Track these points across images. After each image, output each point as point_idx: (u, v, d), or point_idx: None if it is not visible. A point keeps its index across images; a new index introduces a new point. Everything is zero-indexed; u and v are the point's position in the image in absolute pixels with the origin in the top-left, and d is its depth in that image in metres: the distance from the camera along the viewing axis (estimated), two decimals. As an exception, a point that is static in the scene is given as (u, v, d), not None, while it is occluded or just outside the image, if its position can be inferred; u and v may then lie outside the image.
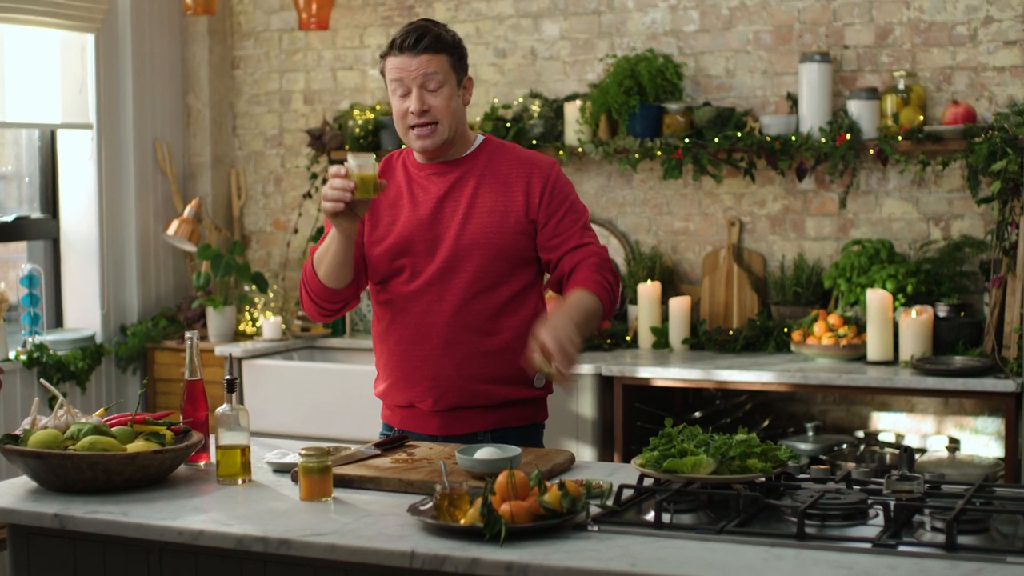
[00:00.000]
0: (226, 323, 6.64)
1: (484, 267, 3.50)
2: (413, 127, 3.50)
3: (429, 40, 3.46)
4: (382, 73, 3.56)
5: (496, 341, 3.53)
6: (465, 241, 3.49)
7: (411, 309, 3.54)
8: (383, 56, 3.54)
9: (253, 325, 6.80)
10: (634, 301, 6.08)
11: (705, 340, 5.85)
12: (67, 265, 6.71)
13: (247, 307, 6.82)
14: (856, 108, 5.68)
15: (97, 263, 6.62)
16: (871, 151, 5.68)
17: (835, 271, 5.73)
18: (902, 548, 2.56)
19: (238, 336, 6.77)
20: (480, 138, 3.64)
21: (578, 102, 6.12)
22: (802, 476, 3.13)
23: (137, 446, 3.23)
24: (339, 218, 3.30)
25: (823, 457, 5.40)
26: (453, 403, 3.53)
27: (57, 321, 6.71)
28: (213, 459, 3.47)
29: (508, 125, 6.23)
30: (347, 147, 6.57)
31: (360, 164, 3.26)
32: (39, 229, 6.61)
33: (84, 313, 6.69)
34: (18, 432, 3.33)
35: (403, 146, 3.68)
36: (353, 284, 3.55)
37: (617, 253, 6.27)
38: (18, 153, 6.69)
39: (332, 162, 6.74)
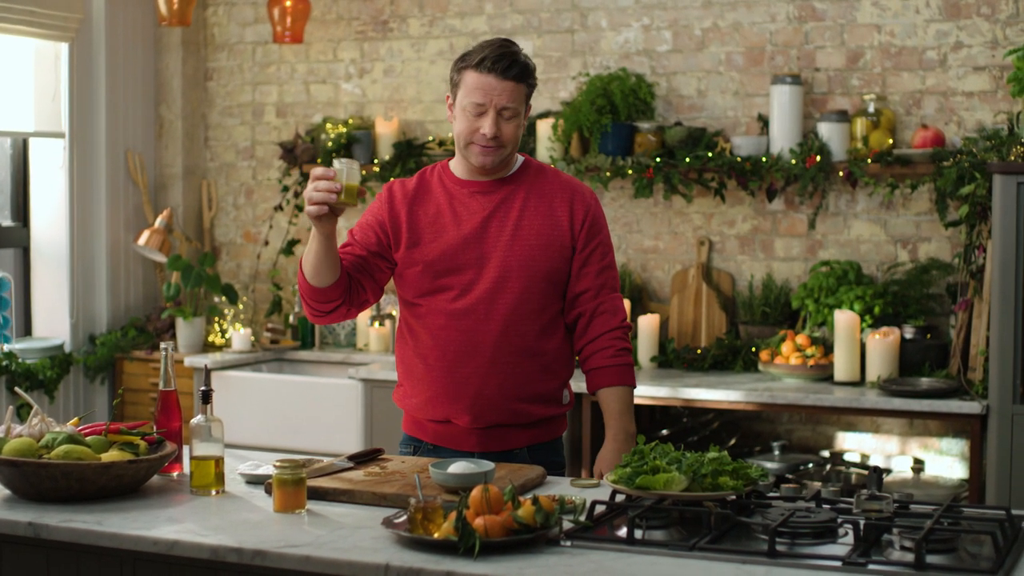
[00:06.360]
0: (195, 334, 6.64)
1: (529, 288, 3.53)
2: (481, 146, 3.51)
3: (518, 70, 3.47)
4: (452, 81, 3.54)
5: (536, 362, 3.57)
6: (513, 262, 3.52)
7: (456, 327, 3.53)
8: (462, 67, 3.51)
9: (222, 336, 6.79)
10: (604, 318, 6.09)
11: (673, 358, 5.89)
12: (37, 274, 6.69)
13: (216, 318, 6.81)
14: (826, 130, 5.74)
15: (67, 272, 6.60)
16: (840, 173, 5.73)
17: (803, 292, 5.77)
18: (872, 567, 2.59)
19: (207, 347, 6.76)
20: (520, 159, 3.67)
21: (550, 119, 6.14)
22: (772, 495, 3.15)
23: (112, 456, 3.23)
24: (322, 220, 3.29)
25: (789, 476, 5.44)
26: (493, 421, 3.56)
27: (26, 330, 6.69)
28: (187, 470, 3.48)
29: (481, 141, 6.23)
30: (319, 160, 6.59)
31: (349, 170, 3.25)
32: (10, 237, 6.59)
33: (53, 322, 6.67)
34: (-9, 440, 3.32)
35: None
36: (339, 286, 3.48)
37: (587, 270, 6.29)
38: (-11, 161, 6.68)
39: (304, 176, 6.76)
